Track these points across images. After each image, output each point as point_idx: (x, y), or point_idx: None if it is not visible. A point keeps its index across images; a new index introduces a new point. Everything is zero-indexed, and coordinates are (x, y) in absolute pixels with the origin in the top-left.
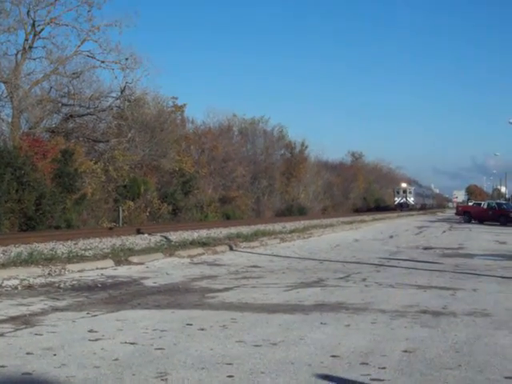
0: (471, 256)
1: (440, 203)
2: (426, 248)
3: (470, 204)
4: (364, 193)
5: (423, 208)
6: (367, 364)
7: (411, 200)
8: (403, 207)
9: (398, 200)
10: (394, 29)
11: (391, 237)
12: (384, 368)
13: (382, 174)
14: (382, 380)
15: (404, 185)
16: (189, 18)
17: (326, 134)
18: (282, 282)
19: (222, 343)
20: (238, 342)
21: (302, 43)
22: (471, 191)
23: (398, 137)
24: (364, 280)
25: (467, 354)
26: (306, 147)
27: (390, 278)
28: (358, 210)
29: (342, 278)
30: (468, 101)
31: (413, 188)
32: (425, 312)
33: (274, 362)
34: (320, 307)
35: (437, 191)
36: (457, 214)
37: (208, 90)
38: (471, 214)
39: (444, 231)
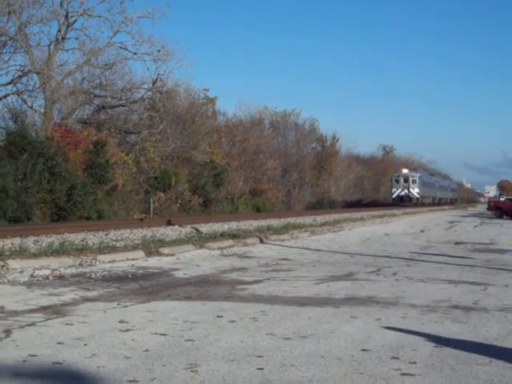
0: (502, 251)
1: (471, 198)
2: (457, 243)
3: (502, 199)
4: None
5: (437, 203)
6: (398, 358)
7: (415, 191)
8: (404, 201)
9: (396, 192)
10: (431, 20)
11: (422, 231)
12: (414, 363)
13: (412, 167)
14: (413, 375)
15: (405, 171)
16: (221, 10)
17: (358, 128)
18: (312, 275)
19: (253, 335)
20: (268, 335)
21: (335, 35)
22: (503, 186)
23: (430, 131)
24: (394, 274)
25: (498, 350)
26: (337, 140)
27: (420, 273)
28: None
29: (372, 272)
30: (500, 95)
31: (418, 175)
32: (456, 307)
33: (303, 355)
34: (350, 301)
35: (468, 186)
36: (488, 209)
37: (240, 83)
38: (503, 210)
39: (475, 226)
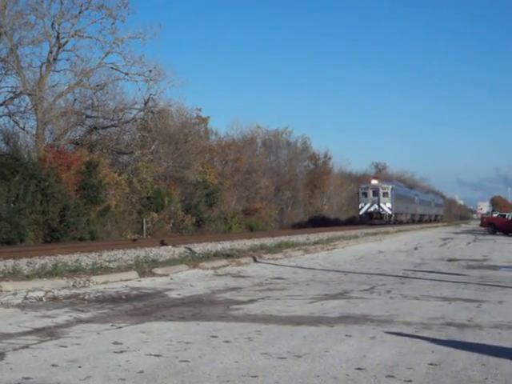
0: (496, 268)
1: (464, 214)
2: (450, 260)
3: (495, 215)
4: None
5: (417, 220)
6: (393, 377)
7: (387, 207)
8: (374, 218)
9: (364, 207)
10: (421, 37)
11: (416, 248)
12: (410, 381)
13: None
14: None
15: (375, 182)
16: (212, 31)
17: (350, 145)
18: (307, 293)
19: (247, 355)
20: (262, 355)
21: (325, 53)
22: (496, 202)
23: (422, 148)
24: (389, 292)
25: (494, 367)
26: (330, 158)
27: (414, 290)
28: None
29: (366, 290)
30: (491, 111)
31: (390, 187)
32: (450, 324)
33: (299, 375)
34: (345, 319)
35: (461, 202)
36: (481, 225)
37: (231, 102)
38: (496, 226)
39: (469, 243)
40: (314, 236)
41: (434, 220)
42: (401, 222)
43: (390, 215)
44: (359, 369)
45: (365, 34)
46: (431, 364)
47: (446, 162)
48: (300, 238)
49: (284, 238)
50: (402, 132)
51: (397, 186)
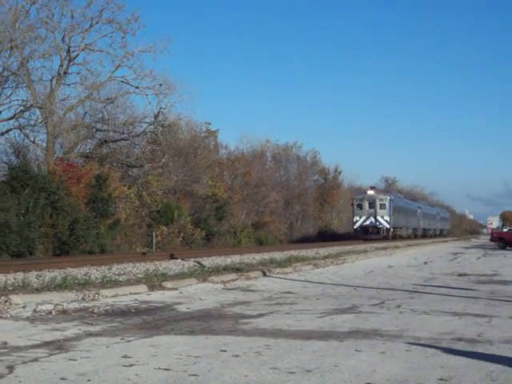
0: (506, 283)
1: (474, 229)
2: (460, 274)
3: (505, 230)
4: None
5: (420, 235)
6: None
7: (384, 220)
8: (370, 233)
9: (359, 220)
10: (430, 46)
11: (425, 263)
12: None
13: (406, 196)
14: None
15: (371, 192)
16: (221, 45)
17: (360, 159)
18: (316, 308)
19: (256, 370)
20: (272, 369)
21: (333, 69)
22: (506, 217)
23: (432, 162)
24: (398, 307)
25: (504, 383)
26: (340, 173)
27: (424, 305)
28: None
29: (376, 305)
30: (500, 126)
31: (388, 198)
32: (460, 339)
33: None
34: (354, 334)
35: (471, 217)
36: (491, 240)
37: (241, 116)
38: (506, 240)
39: (478, 257)
40: (323, 250)
41: (439, 235)
42: (401, 237)
43: (387, 229)
44: None
45: (373, 43)
46: (441, 379)
47: (456, 176)
48: (309, 252)
49: (293, 252)
50: (413, 146)
51: (396, 198)
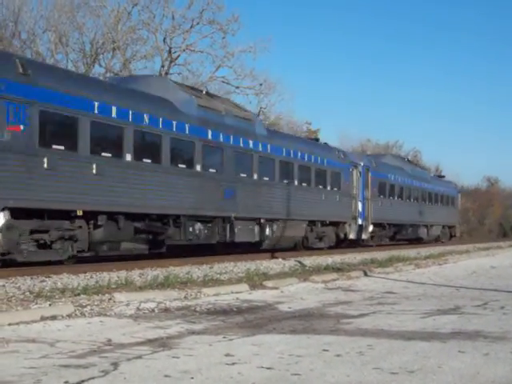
0: None
1: None
2: None
3: None
4: (500, 218)
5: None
6: None
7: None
8: None
9: None
10: None
11: None
12: None
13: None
14: None
15: None
16: (323, 42)
17: (461, 158)
18: (418, 308)
19: (359, 370)
20: (374, 369)
21: (437, 64)
22: None
23: None
24: (502, 308)
25: None
26: (441, 172)
27: None
28: None
29: (479, 306)
30: None
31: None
32: None
33: None
34: (457, 335)
35: None
36: None
37: (341, 114)
38: None
39: None
40: (424, 250)
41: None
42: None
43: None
44: None
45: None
46: None
47: None
48: (410, 252)
49: (394, 252)
50: None
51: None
